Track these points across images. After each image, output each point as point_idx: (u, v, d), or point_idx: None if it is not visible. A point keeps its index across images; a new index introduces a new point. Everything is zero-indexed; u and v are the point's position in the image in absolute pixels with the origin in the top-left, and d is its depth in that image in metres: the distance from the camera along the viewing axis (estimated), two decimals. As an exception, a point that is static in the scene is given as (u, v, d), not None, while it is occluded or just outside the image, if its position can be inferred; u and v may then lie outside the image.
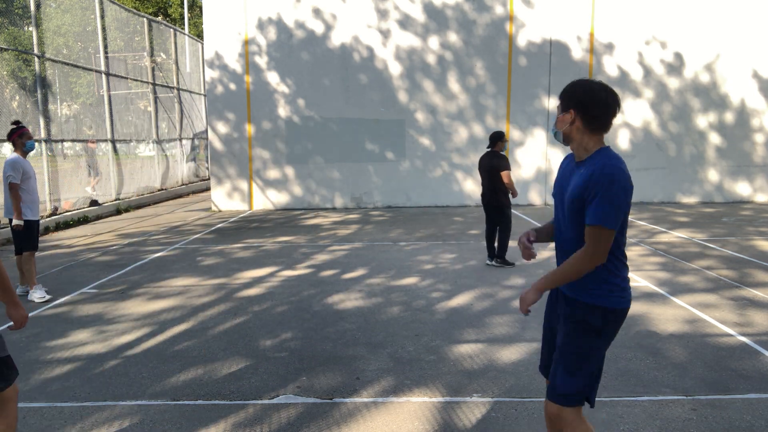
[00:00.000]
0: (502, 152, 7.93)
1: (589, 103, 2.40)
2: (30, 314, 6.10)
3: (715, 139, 14.66)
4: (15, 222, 6.46)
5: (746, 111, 14.57)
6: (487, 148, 8.01)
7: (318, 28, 14.22)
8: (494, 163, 7.75)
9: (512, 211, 7.99)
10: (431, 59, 14.35)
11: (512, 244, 8.87)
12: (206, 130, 18.81)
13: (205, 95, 19.32)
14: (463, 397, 4.00)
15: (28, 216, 6.55)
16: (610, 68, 14.36)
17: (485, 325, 5.52)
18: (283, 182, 14.60)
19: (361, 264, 8.12)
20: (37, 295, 6.56)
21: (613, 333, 2.52)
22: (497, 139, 7.87)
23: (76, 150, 13.74)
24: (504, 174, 7.66)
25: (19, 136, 6.52)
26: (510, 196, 7.91)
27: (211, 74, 14.34)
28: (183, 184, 19.22)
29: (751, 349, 4.81)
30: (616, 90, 2.47)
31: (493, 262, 7.95)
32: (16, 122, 6.67)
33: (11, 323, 2.80)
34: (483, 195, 8.04)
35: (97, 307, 6.31)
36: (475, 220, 12.13)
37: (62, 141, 12.93)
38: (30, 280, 6.65)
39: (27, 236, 6.59)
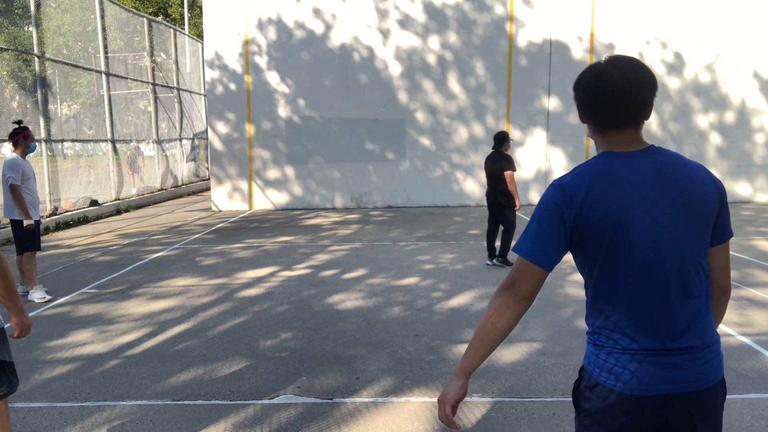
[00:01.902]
0: (507, 153, 7.93)
1: (576, 92, 1.81)
2: (30, 314, 6.09)
3: (715, 139, 14.66)
4: (26, 222, 6.47)
5: (747, 111, 14.57)
6: (492, 148, 7.99)
7: (318, 28, 14.22)
8: (500, 164, 7.74)
9: (516, 212, 7.99)
10: (431, 59, 14.34)
11: (514, 244, 8.86)
12: (206, 130, 18.82)
13: (205, 95, 19.33)
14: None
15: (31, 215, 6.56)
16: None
17: (485, 325, 5.51)
18: (283, 182, 14.60)
19: (361, 264, 8.12)
20: (38, 295, 6.56)
21: None
22: (503, 139, 7.86)
23: (76, 150, 13.76)
24: (507, 174, 7.65)
25: (24, 138, 6.52)
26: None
27: (211, 74, 14.34)
28: (183, 184, 19.22)
29: (751, 349, 4.80)
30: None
31: (494, 262, 7.95)
32: (19, 122, 6.66)
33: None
34: (487, 194, 8.03)
35: (97, 307, 6.31)
36: (475, 220, 12.12)
37: (62, 141, 12.93)
38: (30, 280, 6.65)
39: (28, 236, 6.59)
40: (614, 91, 1.69)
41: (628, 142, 1.73)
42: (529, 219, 1.80)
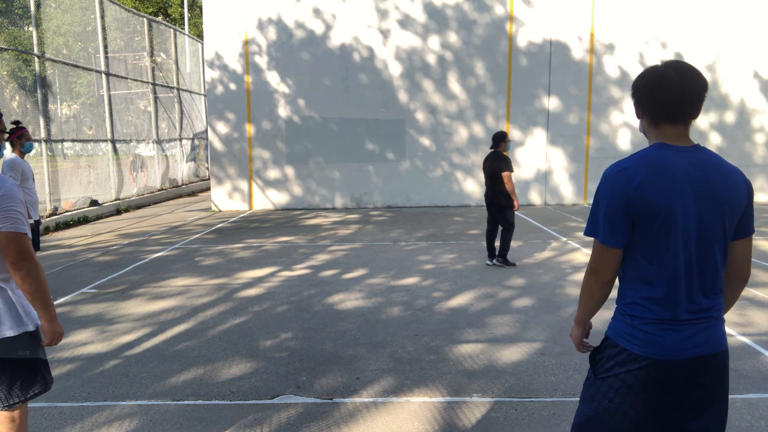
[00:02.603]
0: (505, 153, 7.92)
1: (635, 89, 2.05)
2: (30, 314, 6.09)
3: (715, 139, 14.65)
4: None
5: (746, 111, 14.57)
6: (490, 148, 7.99)
7: (318, 28, 14.22)
8: (497, 164, 7.73)
9: (503, 216, 7.95)
10: (431, 59, 14.34)
11: (514, 244, 8.86)
12: (206, 130, 18.83)
13: (205, 95, 19.34)
14: (463, 398, 4.00)
15: (31, 216, 6.55)
16: (610, 68, 14.35)
17: (485, 325, 5.52)
18: (283, 182, 14.60)
19: (361, 264, 8.12)
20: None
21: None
22: (500, 139, 7.84)
23: (76, 150, 13.77)
24: (505, 175, 7.63)
25: (18, 137, 6.51)
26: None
27: (211, 74, 14.34)
28: (183, 184, 19.22)
29: (751, 349, 4.80)
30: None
31: (494, 262, 7.95)
32: (17, 122, 6.66)
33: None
34: (486, 195, 8.04)
35: (97, 307, 6.31)
36: (475, 220, 12.12)
37: (62, 141, 12.93)
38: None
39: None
40: (674, 89, 1.92)
41: (679, 137, 1.96)
42: (592, 202, 2.04)
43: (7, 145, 6.68)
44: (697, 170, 1.91)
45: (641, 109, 2.02)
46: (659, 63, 2.00)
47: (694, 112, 1.95)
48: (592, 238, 2.18)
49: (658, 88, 1.94)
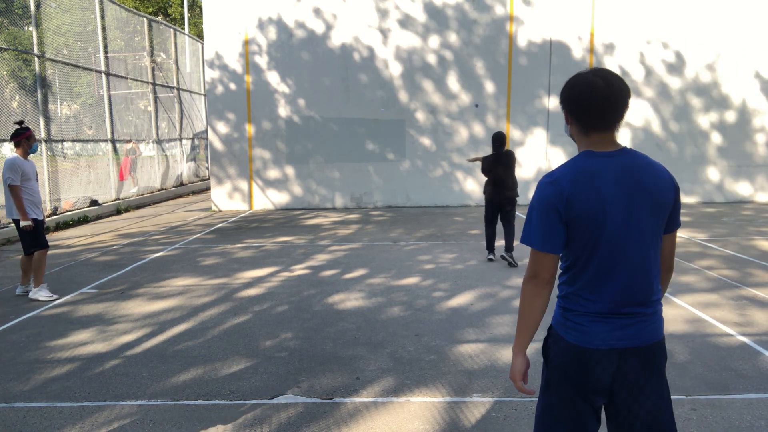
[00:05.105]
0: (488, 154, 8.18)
1: (565, 97, 2.09)
2: (31, 314, 6.10)
3: (716, 138, 14.65)
4: (23, 223, 6.45)
5: (747, 111, 14.56)
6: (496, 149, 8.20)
7: (318, 28, 14.22)
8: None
9: (514, 211, 8.01)
10: (431, 59, 14.34)
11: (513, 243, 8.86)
12: (206, 130, 18.82)
13: (205, 95, 19.33)
14: (463, 397, 4.00)
15: (31, 215, 6.55)
16: (610, 68, 14.33)
17: (486, 325, 5.52)
18: (283, 182, 14.60)
19: (362, 264, 8.12)
20: (43, 294, 6.56)
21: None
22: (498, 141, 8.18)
23: (76, 150, 13.76)
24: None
25: (26, 138, 6.52)
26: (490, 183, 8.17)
27: (211, 74, 14.34)
28: (183, 184, 19.22)
29: (751, 349, 4.80)
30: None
31: (504, 257, 7.99)
32: (20, 122, 6.65)
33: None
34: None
35: (98, 307, 6.31)
36: (475, 220, 12.12)
37: (62, 141, 12.93)
38: (37, 279, 6.65)
39: (30, 236, 6.58)
40: (601, 98, 1.99)
41: (606, 142, 2.04)
42: (527, 213, 2.09)
43: (11, 145, 6.69)
44: (626, 173, 1.98)
45: (571, 117, 2.07)
46: (582, 71, 2.06)
47: (621, 119, 2.03)
48: None
49: (589, 97, 1.99)
